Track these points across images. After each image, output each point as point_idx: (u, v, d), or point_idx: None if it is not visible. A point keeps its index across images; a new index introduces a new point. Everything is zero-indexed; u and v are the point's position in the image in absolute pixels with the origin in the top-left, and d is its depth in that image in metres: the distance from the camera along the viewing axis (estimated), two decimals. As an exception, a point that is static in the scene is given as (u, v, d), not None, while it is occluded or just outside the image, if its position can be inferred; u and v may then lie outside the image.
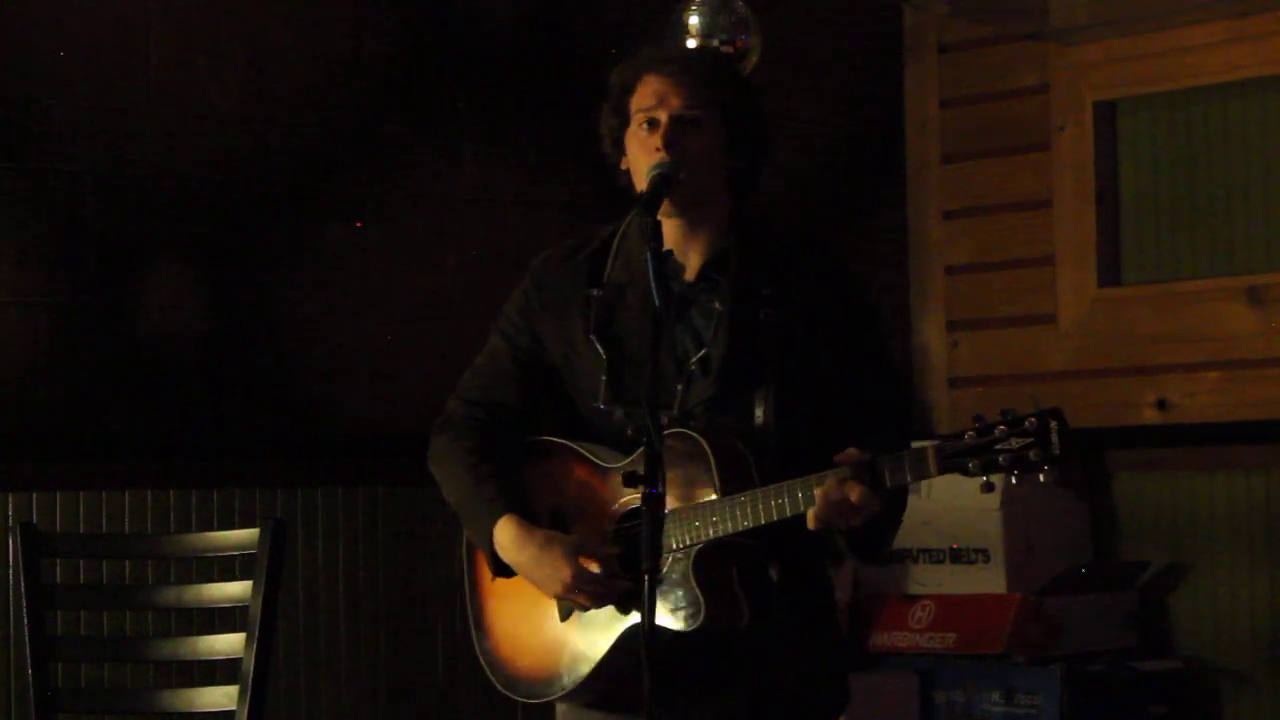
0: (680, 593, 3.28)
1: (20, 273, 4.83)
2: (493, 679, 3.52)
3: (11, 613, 4.55)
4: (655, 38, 5.12)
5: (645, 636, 2.98)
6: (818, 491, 3.19)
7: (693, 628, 3.26)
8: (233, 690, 3.96)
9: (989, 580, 5.68)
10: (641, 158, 3.37)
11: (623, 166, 3.46)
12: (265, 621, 3.96)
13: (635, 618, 3.31)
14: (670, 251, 3.33)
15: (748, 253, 3.42)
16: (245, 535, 4.06)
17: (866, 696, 5.59)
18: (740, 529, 3.25)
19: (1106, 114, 6.12)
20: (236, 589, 4.03)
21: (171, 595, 4.25)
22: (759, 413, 3.34)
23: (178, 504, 4.97)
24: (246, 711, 3.92)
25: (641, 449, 3.28)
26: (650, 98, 3.38)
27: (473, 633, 3.57)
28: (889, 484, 3.19)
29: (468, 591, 3.58)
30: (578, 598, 3.37)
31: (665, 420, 3.26)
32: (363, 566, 5.24)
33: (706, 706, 3.37)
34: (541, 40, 5.68)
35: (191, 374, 5.07)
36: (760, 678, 3.38)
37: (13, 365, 4.81)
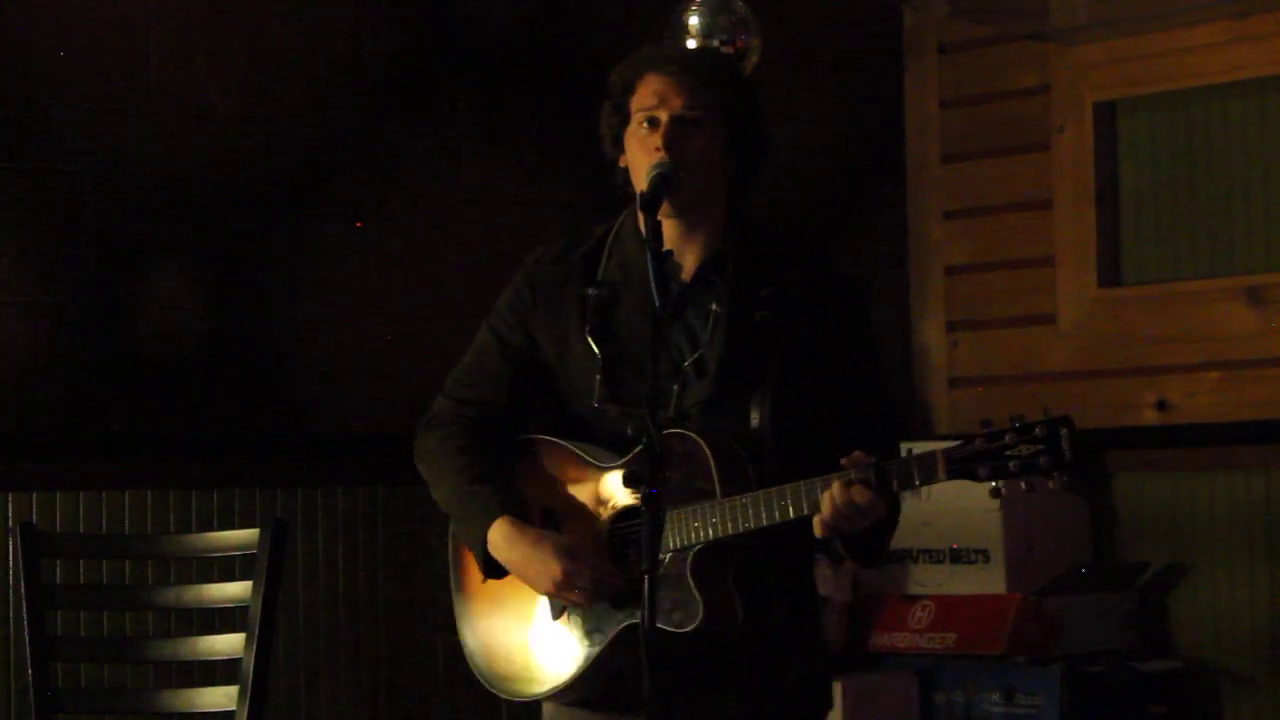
0: (677, 593, 3.27)
1: (20, 273, 4.83)
2: (480, 676, 3.51)
3: (11, 613, 4.55)
4: (655, 38, 5.12)
5: (645, 636, 2.97)
6: (825, 496, 3.18)
7: (690, 629, 3.26)
8: (233, 690, 3.95)
9: (989, 580, 5.67)
10: (641, 157, 3.37)
11: (621, 165, 3.46)
12: (265, 621, 3.96)
13: (632, 617, 3.31)
14: (670, 252, 3.32)
15: (744, 254, 3.42)
16: (245, 535, 4.06)
17: (866, 696, 5.60)
18: (741, 530, 3.24)
19: (1106, 114, 6.12)
20: (236, 589, 4.03)
21: (171, 595, 4.25)
22: (755, 415, 3.34)
23: (178, 504, 4.97)
24: (246, 712, 3.92)
25: (639, 448, 3.30)
26: (651, 97, 3.37)
27: (460, 630, 3.56)
28: (896, 488, 3.18)
29: (454, 589, 3.57)
30: (569, 595, 3.36)
31: (662, 420, 3.25)
32: (363, 566, 5.24)
33: (705, 707, 3.37)
34: (541, 40, 5.68)
35: (191, 374, 5.07)
36: (760, 679, 3.39)
37: (13, 365, 4.82)
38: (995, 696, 5.58)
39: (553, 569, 3.35)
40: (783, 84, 5.96)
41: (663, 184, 3.30)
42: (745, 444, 3.32)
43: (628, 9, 5.75)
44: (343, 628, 5.21)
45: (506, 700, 3.51)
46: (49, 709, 4.06)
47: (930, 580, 5.79)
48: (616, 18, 5.76)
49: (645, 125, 3.38)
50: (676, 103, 3.36)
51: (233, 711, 3.94)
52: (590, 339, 3.42)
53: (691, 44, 5.14)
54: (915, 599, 5.81)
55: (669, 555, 3.27)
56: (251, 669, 3.93)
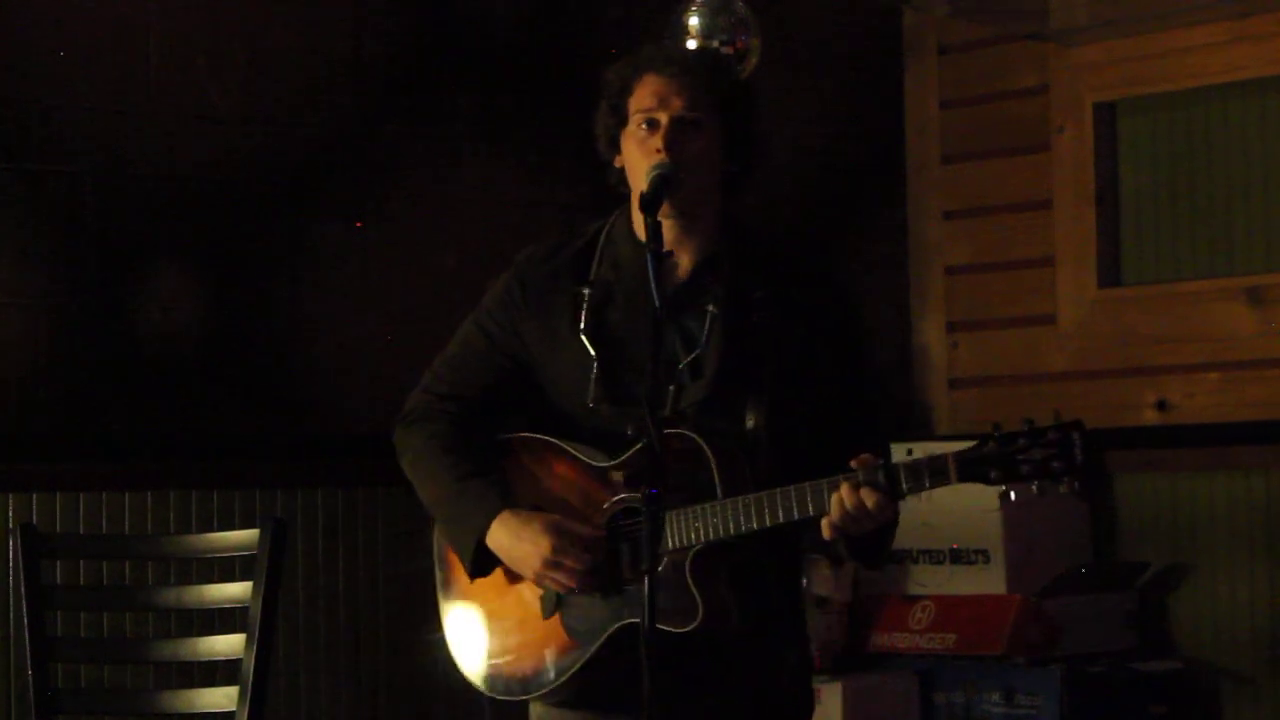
0: (675, 593, 3.27)
1: (20, 273, 4.83)
2: (468, 676, 3.50)
3: (11, 613, 4.55)
4: (655, 38, 5.12)
5: (645, 635, 2.97)
6: (835, 498, 3.17)
7: (688, 628, 3.26)
8: (233, 691, 3.95)
9: (989, 581, 5.67)
10: (640, 158, 3.36)
11: (616, 165, 3.46)
12: (265, 622, 3.96)
13: (628, 616, 3.30)
14: (670, 253, 3.32)
15: (739, 256, 3.42)
16: (245, 536, 4.06)
17: (866, 697, 5.60)
18: (744, 531, 3.24)
19: (1106, 115, 6.12)
20: (236, 590, 4.03)
21: (171, 596, 4.25)
22: (751, 417, 3.33)
23: (178, 504, 4.97)
24: (246, 712, 3.92)
25: (635, 448, 3.29)
26: (651, 98, 3.37)
27: (446, 630, 3.55)
28: (905, 490, 3.18)
29: (440, 589, 3.56)
30: (558, 574, 3.35)
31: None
32: (363, 566, 5.24)
33: (702, 707, 3.37)
34: (541, 40, 5.68)
35: (191, 374, 5.07)
36: (756, 678, 3.39)
37: (13, 365, 4.82)
38: (995, 697, 5.58)
39: (541, 545, 3.34)
40: (783, 84, 5.95)
41: (663, 185, 3.29)
42: (741, 445, 3.32)
43: (628, 9, 5.75)
44: (343, 628, 5.21)
45: (491, 700, 3.50)
46: (49, 709, 4.05)
47: (930, 580, 5.79)
48: (616, 18, 5.76)
49: (644, 127, 3.37)
50: (677, 104, 3.36)
51: (233, 712, 3.94)
52: (584, 338, 3.42)
53: (691, 44, 5.14)
54: (915, 599, 5.81)
55: (667, 555, 3.27)
56: (251, 669, 3.93)
